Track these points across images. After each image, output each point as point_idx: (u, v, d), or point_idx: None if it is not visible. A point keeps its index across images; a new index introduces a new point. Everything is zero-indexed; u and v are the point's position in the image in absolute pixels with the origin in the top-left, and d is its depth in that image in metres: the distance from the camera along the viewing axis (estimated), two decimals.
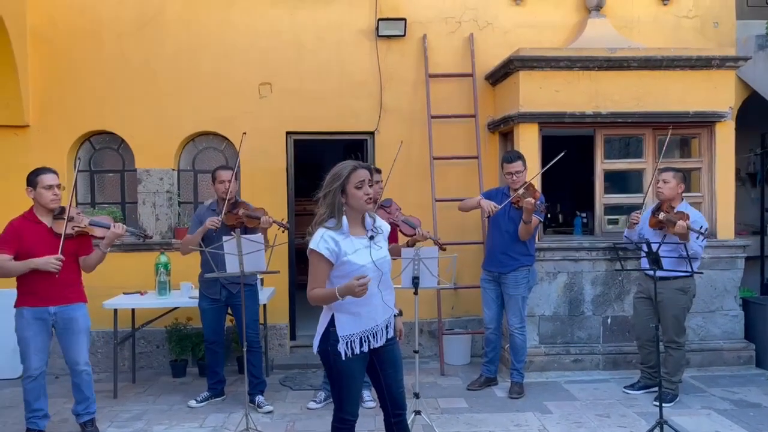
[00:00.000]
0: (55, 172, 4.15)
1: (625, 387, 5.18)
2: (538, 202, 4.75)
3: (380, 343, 3.07)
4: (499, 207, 4.89)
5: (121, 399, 5.12)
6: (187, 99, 6.11)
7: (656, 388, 5.00)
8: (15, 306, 4.11)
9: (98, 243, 4.22)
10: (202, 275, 4.85)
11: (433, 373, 5.74)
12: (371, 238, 3.04)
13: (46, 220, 4.13)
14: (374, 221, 3.11)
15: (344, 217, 2.94)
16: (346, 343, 2.96)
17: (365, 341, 3.01)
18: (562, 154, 4.76)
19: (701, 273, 4.88)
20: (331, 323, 2.98)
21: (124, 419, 4.67)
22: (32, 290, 4.06)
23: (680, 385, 4.95)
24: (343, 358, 2.96)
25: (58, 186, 4.12)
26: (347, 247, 2.94)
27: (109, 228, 4.15)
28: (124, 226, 4.25)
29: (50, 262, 3.96)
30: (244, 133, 5.01)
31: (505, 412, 4.72)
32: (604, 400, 4.96)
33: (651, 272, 4.27)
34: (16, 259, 4.02)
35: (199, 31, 6.13)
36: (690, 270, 4.31)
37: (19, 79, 5.77)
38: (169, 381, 5.68)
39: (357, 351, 2.98)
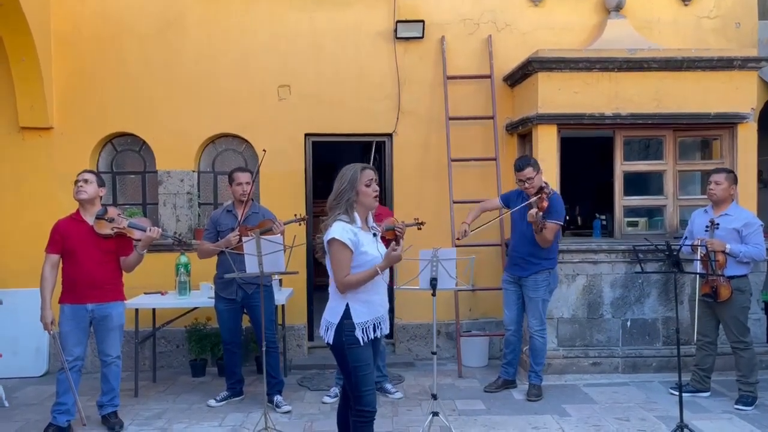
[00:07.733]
0: (87, 171, 4.46)
1: (671, 388, 5.08)
2: (546, 214, 4.73)
3: (386, 330, 3.33)
4: (469, 233, 4.92)
5: (142, 398, 5.18)
6: (207, 101, 6.18)
7: (705, 394, 5.01)
8: (59, 302, 4.34)
9: (137, 245, 4.42)
10: (218, 276, 4.92)
11: (451, 375, 5.74)
12: (374, 235, 3.32)
13: (90, 219, 4.34)
14: (372, 221, 3.37)
15: (356, 213, 3.20)
16: (362, 329, 3.18)
17: (377, 327, 3.26)
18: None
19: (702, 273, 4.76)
20: (346, 315, 3.17)
21: (145, 417, 4.73)
22: (72, 288, 4.30)
23: (757, 386, 4.84)
24: (361, 344, 3.16)
25: (85, 181, 4.35)
26: (363, 238, 3.19)
27: (145, 231, 4.34)
28: (159, 229, 4.41)
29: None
30: (264, 151, 5.05)
31: (522, 414, 4.70)
32: (623, 403, 4.93)
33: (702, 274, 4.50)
34: (62, 257, 4.31)
35: (219, 35, 6.20)
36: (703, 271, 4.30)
37: (43, 82, 5.87)
38: (188, 380, 5.74)
39: (371, 336, 3.21)
